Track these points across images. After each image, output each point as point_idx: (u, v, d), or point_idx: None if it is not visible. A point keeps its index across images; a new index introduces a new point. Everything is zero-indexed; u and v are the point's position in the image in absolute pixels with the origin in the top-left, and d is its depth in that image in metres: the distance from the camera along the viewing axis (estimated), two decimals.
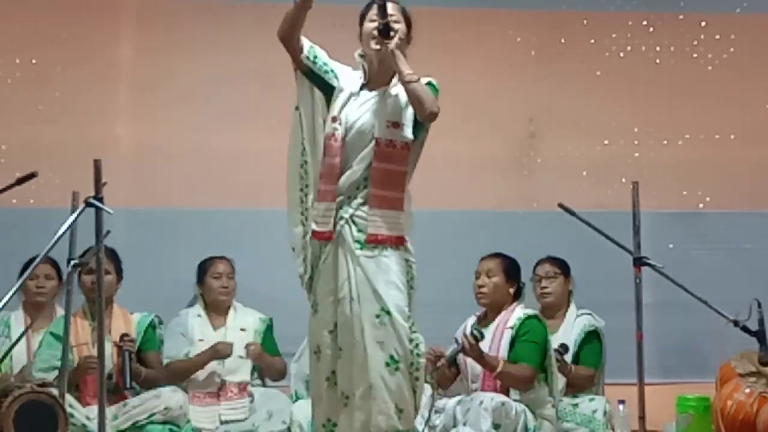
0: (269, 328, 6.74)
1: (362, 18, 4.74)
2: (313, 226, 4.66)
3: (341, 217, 4.62)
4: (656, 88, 7.89)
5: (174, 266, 6.98)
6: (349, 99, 4.73)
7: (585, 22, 7.91)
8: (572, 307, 6.67)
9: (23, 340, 6.04)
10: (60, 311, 6.11)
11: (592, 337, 6.53)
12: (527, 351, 5.94)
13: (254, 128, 7.33)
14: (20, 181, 4.82)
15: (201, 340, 6.55)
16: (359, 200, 4.64)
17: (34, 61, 7.38)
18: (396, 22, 4.60)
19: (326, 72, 4.74)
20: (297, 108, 4.82)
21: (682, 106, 7.85)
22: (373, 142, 4.64)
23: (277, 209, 6.53)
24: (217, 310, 6.70)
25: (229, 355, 6.44)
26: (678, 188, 7.77)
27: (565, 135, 7.76)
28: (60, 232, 5.01)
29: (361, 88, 4.76)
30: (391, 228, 4.61)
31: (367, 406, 4.50)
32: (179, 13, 7.57)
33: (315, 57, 4.72)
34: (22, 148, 6.88)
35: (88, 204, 4.90)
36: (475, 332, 5.78)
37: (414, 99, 4.58)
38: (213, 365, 6.46)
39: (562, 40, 7.83)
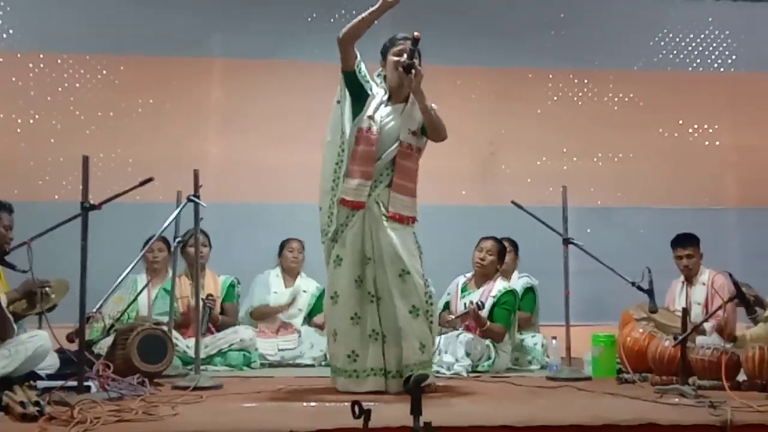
0: (321, 295, 6.59)
1: (386, 50, 4.59)
2: (345, 196, 4.50)
3: (369, 194, 4.48)
4: (578, 121, 7.85)
5: (247, 242, 6.97)
6: (380, 105, 4.58)
7: (530, 75, 7.88)
8: (516, 272, 6.63)
9: (144, 293, 6.04)
10: (170, 273, 6.13)
11: (529, 291, 6.54)
12: (503, 316, 5.96)
13: (301, 147, 7.17)
14: (142, 183, 4.71)
15: (275, 292, 6.69)
16: (384, 184, 4.52)
17: (151, 101, 7.39)
18: (417, 59, 4.42)
19: (366, 81, 4.59)
20: (338, 102, 4.64)
21: (596, 134, 7.83)
22: (398, 143, 4.52)
23: (314, 204, 6.69)
24: (290, 273, 6.80)
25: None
26: (594, 191, 7.73)
27: (515, 153, 7.72)
28: (169, 219, 5.12)
29: (388, 100, 4.61)
30: (407, 210, 4.52)
31: (398, 344, 4.40)
32: (252, 67, 7.55)
33: (360, 67, 4.56)
34: (142, 161, 6.92)
35: (189, 199, 4.97)
36: (479, 302, 5.79)
37: (431, 127, 4.51)
38: (281, 315, 6.61)
39: (514, 88, 7.79)
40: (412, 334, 4.38)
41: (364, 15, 4.37)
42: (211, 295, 6.12)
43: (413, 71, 4.38)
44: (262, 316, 6.59)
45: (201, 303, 6.04)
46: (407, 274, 4.40)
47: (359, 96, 4.59)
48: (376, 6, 4.35)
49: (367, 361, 4.45)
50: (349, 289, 4.49)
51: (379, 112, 4.58)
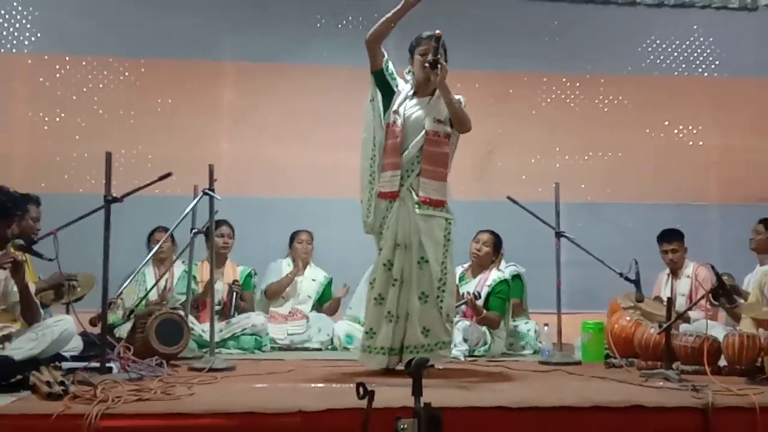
0: (329, 283, 6.77)
1: (413, 48, 4.59)
2: (381, 189, 4.52)
3: (402, 184, 4.48)
4: (571, 122, 7.86)
5: (258, 234, 6.94)
6: (405, 99, 4.58)
7: (525, 79, 7.90)
8: (503, 262, 6.56)
9: (153, 280, 6.09)
10: (178, 264, 6.17)
11: (515, 279, 6.46)
12: (498, 304, 5.95)
13: (309, 146, 7.32)
14: (160, 178, 4.70)
15: None
16: (415, 173, 4.49)
17: (169, 101, 7.43)
18: (441, 57, 4.41)
19: (393, 78, 4.60)
20: (371, 101, 4.63)
21: (587, 134, 7.85)
22: (424, 132, 4.49)
23: (331, 198, 6.61)
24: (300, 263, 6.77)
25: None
26: (584, 187, 7.72)
27: (511, 152, 7.74)
28: (186, 211, 5.11)
29: (413, 95, 4.61)
30: (437, 194, 4.48)
31: (404, 326, 4.43)
32: (262, 70, 7.55)
33: (388, 65, 4.57)
34: (161, 157, 6.91)
35: (204, 193, 4.95)
36: (476, 293, 5.78)
37: (456, 119, 4.50)
38: (290, 302, 6.59)
39: (510, 91, 7.83)
40: (416, 319, 4.40)
41: (388, 16, 4.40)
42: (237, 281, 6.23)
43: (438, 66, 4.39)
44: (273, 293, 6.58)
45: (228, 288, 6.19)
46: (425, 262, 4.41)
47: (390, 93, 4.62)
48: (399, 6, 4.37)
49: (378, 340, 4.47)
50: (381, 275, 4.51)
51: (404, 105, 4.58)
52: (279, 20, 7.55)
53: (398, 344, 4.46)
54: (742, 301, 5.24)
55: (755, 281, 5.32)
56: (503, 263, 6.62)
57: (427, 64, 4.44)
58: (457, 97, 4.53)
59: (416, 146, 4.51)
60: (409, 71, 4.67)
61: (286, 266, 6.73)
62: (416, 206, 4.46)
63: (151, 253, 5.56)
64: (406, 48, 4.69)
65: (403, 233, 4.46)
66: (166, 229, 5.84)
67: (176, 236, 5.94)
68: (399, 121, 4.53)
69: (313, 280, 6.75)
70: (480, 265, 6.11)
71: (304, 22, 7.59)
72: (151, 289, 6.00)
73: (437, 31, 4.40)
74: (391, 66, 4.61)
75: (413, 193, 4.48)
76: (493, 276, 6.06)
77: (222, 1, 7.52)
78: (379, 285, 4.51)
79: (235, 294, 6.15)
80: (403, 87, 4.64)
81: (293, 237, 6.81)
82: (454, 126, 4.56)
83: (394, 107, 4.58)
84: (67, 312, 4.71)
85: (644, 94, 7.95)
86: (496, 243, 6.23)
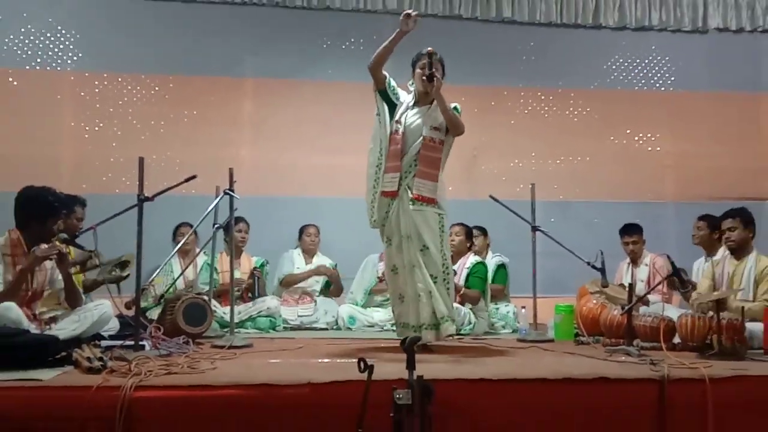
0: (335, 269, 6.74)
1: (414, 63, 4.60)
2: (383, 189, 4.54)
3: (400, 184, 4.50)
4: (545, 131, 7.83)
5: (272, 229, 6.91)
6: (406, 110, 4.59)
7: (505, 93, 7.86)
8: (489, 252, 6.65)
9: (179, 269, 6.09)
10: (201, 254, 6.14)
11: (500, 267, 6.53)
12: (476, 282, 6.00)
13: (317, 151, 7.28)
14: (186, 180, 4.75)
15: (298, 267, 6.65)
16: (412, 174, 4.50)
17: (195, 113, 7.38)
18: (437, 71, 4.43)
19: (394, 94, 4.62)
20: (378, 114, 4.66)
21: (559, 141, 7.82)
22: (422, 138, 4.50)
23: (335, 197, 6.62)
24: (308, 254, 6.75)
25: (323, 274, 6.57)
26: (557, 188, 7.69)
27: (493, 156, 7.71)
28: (209, 209, 5.12)
29: (414, 105, 4.62)
30: (429, 192, 4.48)
31: (417, 305, 4.43)
32: (277, 85, 7.50)
33: (389, 83, 4.60)
34: (187, 161, 6.84)
35: (225, 193, 4.96)
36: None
37: (452, 125, 4.50)
38: (302, 284, 6.56)
39: (492, 103, 7.79)
40: (428, 298, 4.41)
41: (385, 44, 4.42)
42: (257, 268, 6.25)
43: (434, 79, 4.40)
44: (288, 283, 6.56)
45: (250, 274, 6.24)
46: (427, 249, 4.42)
47: (394, 105, 4.64)
48: (394, 35, 4.38)
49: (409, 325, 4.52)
50: (398, 263, 4.53)
51: (405, 115, 4.58)
52: (291, 42, 7.52)
53: (417, 321, 4.46)
54: (692, 289, 5.24)
55: (707, 271, 5.32)
56: (489, 253, 6.65)
57: (424, 78, 4.45)
58: (453, 104, 4.54)
59: (415, 149, 4.52)
60: (412, 83, 4.67)
61: (297, 255, 6.71)
62: (411, 203, 4.46)
63: (178, 246, 5.57)
64: (402, 62, 4.68)
65: (404, 226, 4.47)
66: (189, 225, 5.85)
67: (198, 231, 5.89)
68: (400, 130, 4.55)
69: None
70: (458, 252, 6.09)
71: (313, 44, 7.56)
72: (178, 277, 6.00)
73: (428, 48, 4.42)
74: (393, 83, 4.62)
75: (409, 191, 4.49)
76: (471, 259, 6.12)
77: (242, 26, 7.47)
78: (394, 287, 4.59)
79: (256, 279, 6.17)
80: (405, 98, 4.65)
81: (302, 230, 6.80)
82: (449, 129, 4.55)
83: (396, 117, 4.59)
84: (110, 293, 4.70)
85: (609, 106, 7.93)
86: (468, 232, 6.28)
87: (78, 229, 4.94)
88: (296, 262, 6.67)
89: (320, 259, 6.74)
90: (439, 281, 4.44)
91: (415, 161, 4.51)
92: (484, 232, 6.70)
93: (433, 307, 4.40)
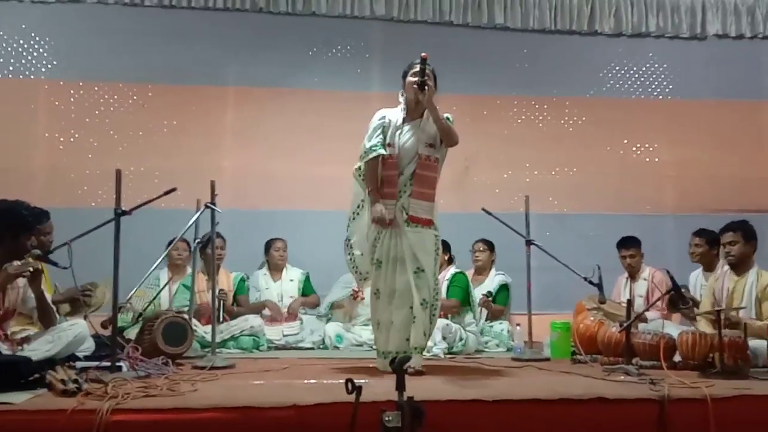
0: (307, 278, 6.70)
1: (405, 74, 4.55)
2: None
3: (394, 204, 4.48)
4: (539, 141, 7.85)
5: (256, 243, 6.84)
6: (396, 130, 4.54)
7: (498, 101, 7.88)
8: (493, 269, 6.67)
9: (165, 289, 6.02)
10: (189, 270, 6.06)
11: (503, 287, 6.55)
12: (455, 292, 6.05)
13: (301, 162, 7.27)
14: (166, 193, 4.71)
15: (267, 288, 6.60)
16: (407, 194, 4.48)
17: (174, 122, 7.37)
18: (429, 79, 4.40)
19: (383, 133, 4.53)
20: (357, 168, 4.67)
21: (554, 151, 7.84)
22: (417, 157, 4.48)
23: (319, 210, 6.62)
24: (276, 269, 6.69)
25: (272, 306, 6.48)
26: (552, 199, 7.72)
27: (486, 167, 7.72)
28: (189, 223, 5.10)
29: (404, 121, 4.57)
30: (426, 213, 4.47)
31: (407, 329, 4.39)
32: (260, 94, 7.50)
33: (382, 136, 4.53)
34: (167, 173, 6.85)
35: (206, 206, 4.93)
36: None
37: (445, 134, 4.46)
38: (279, 304, 6.52)
39: (485, 112, 7.80)
40: (420, 322, 4.37)
41: (369, 187, 4.53)
42: (223, 290, 6.11)
43: (426, 87, 4.38)
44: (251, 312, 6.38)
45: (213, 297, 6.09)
46: (422, 271, 4.40)
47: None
48: (369, 190, 4.53)
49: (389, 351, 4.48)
50: (383, 287, 4.50)
51: (397, 134, 4.54)
52: (275, 49, 7.53)
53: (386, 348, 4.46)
54: (694, 307, 5.27)
55: (707, 290, 5.35)
56: (493, 271, 6.67)
57: (415, 86, 4.42)
58: (445, 114, 4.51)
59: (410, 169, 4.51)
60: (402, 94, 4.64)
61: (261, 277, 6.64)
62: (406, 223, 4.45)
63: (159, 259, 5.48)
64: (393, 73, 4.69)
65: (397, 248, 4.45)
66: (186, 242, 5.86)
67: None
68: (395, 153, 4.51)
69: (291, 280, 6.68)
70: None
71: (298, 51, 7.56)
72: (158, 293, 5.93)
73: (423, 54, 4.42)
74: (380, 130, 4.55)
75: (404, 212, 4.47)
76: (451, 270, 6.22)
77: (224, 32, 7.48)
78: (373, 311, 4.58)
79: (220, 302, 5.96)
80: (393, 116, 4.60)
81: (269, 245, 6.71)
82: (443, 139, 4.53)
83: (387, 140, 4.54)
84: (85, 318, 4.67)
85: (605, 115, 7.97)
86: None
87: (47, 244, 4.89)
88: (261, 283, 6.61)
89: (290, 273, 6.70)
90: (427, 308, 4.40)
91: (410, 180, 4.50)
92: (490, 246, 6.71)
93: (411, 334, 4.37)
